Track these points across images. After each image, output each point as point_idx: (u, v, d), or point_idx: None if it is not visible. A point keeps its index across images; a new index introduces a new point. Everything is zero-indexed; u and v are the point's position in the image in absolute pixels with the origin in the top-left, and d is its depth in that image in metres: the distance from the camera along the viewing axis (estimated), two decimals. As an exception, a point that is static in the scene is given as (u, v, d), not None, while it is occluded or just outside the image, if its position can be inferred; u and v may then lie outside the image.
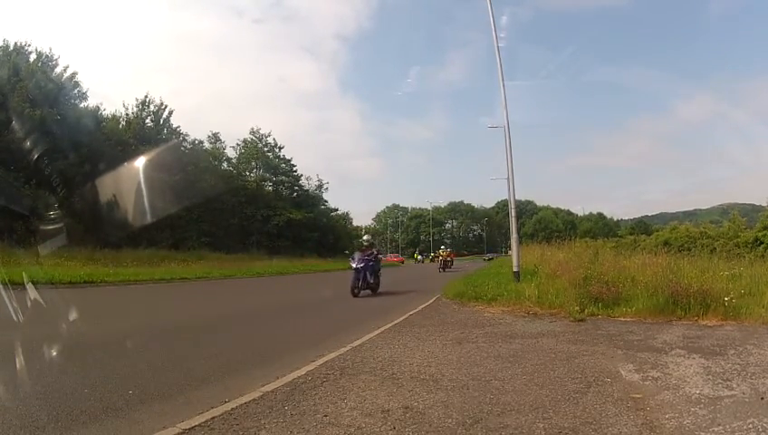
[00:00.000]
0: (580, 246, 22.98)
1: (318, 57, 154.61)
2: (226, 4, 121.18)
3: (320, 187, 56.71)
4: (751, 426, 3.61)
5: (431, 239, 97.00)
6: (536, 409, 4.09)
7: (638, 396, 4.41)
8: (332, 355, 6.19)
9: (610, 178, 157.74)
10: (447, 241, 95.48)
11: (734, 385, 4.69)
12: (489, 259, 60.78)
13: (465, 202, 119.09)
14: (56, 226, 20.37)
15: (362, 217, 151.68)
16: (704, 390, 4.57)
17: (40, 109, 27.50)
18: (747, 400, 4.25)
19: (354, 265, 14.30)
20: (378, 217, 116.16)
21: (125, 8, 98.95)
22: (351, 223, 71.14)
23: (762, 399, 4.26)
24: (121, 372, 5.31)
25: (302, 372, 5.31)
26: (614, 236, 63.74)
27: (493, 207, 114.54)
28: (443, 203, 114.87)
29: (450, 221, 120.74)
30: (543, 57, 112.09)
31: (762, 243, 28.31)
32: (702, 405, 4.14)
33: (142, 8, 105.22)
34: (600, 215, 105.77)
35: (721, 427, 3.62)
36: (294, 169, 54.18)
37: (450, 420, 3.82)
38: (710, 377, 5.00)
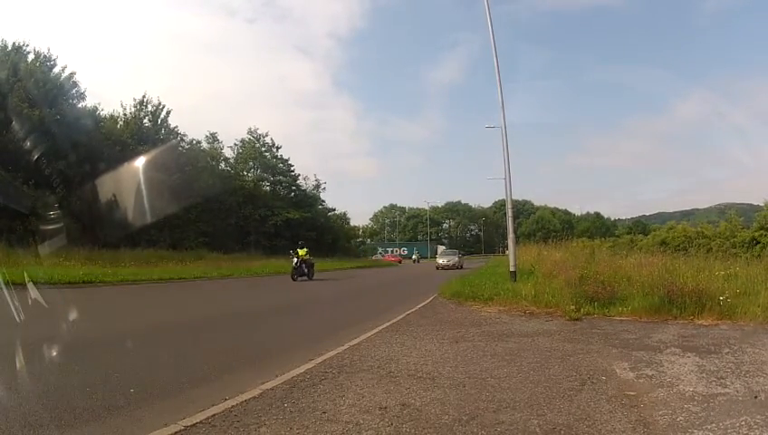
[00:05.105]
0: (577, 245, 23.05)
1: (312, 57, 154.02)
2: (218, 4, 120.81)
3: (317, 186, 56.60)
4: (744, 423, 3.67)
5: (428, 239, 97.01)
6: (531, 406, 4.16)
7: (632, 394, 4.48)
8: (331, 354, 6.25)
9: (608, 177, 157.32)
10: (445, 241, 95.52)
11: (728, 383, 4.76)
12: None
13: (463, 202, 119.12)
14: (55, 226, 20.34)
15: (360, 217, 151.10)
16: (697, 388, 4.63)
17: (38, 109, 27.37)
18: (741, 398, 4.31)
19: None
20: (375, 217, 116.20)
21: (119, 7, 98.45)
22: (349, 223, 70.95)
23: (755, 398, 4.31)
24: (122, 370, 5.35)
25: (301, 370, 5.37)
26: (611, 235, 63.50)
27: (490, 207, 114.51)
28: (440, 203, 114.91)
29: (447, 221, 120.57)
30: (541, 57, 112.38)
31: (758, 243, 28.33)
32: (695, 403, 4.20)
33: (137, 8, 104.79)
34: (598, 214, 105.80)
35: (714, 424, 3.68)
36: (292, 168, 54.17)
37: (447, 417, 3.88)
38: (704, 375, 5.07)
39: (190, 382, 4.98)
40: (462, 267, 36.01)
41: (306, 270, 22.13)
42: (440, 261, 39.59)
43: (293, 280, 21.19)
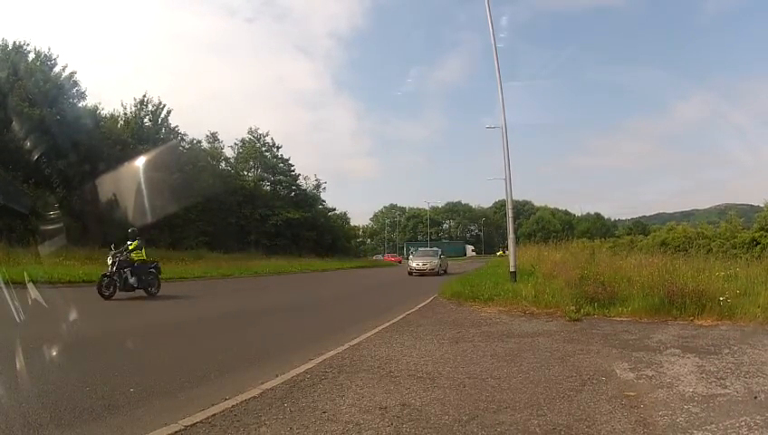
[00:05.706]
0: (578, 246, 23.12)
1: (312, 56, 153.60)
2: (218, 4, 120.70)
3: (317, 186, 56.59)
4: (743, 424, 3.67)
5: (428, 239, 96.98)
6: (531, 406, 4.15)
7: (632, 394, 4.47)
8: (331, 353, 6.25)
9: (608, 178, 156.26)
10: (445, 241, 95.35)
11: (728, 384, 4.75)
12: None
13: (463, 202, 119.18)
14: (56, 225, 20.37)
15: (360, 216, 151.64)
16: (697, 388, 4.63)
17: (39, 108, 27.39)
18: (740, 398, 4.31)
19: None
20: (375, 217, 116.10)
21: (119, 7, 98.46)
22: (349, 223, 71.00)
23: (755, 398, 4.31)
24: (122, 370, 5.36)
25: (301, 369, 5.37)
26: (611, 236, 63.51)
27: (490, 207, 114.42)
28: (440, 203, 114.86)
29: (448, 221, 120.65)
30: (542, 57, 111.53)
31: (758, 244, 28.25)
32: (695, 403, 4.20)
33: (137, 7, 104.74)
34: (598, 215, 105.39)
35: (714, 425, 3.68)
36: (292, 168, 54.19)
37: (447, 417, 3.88)
38: (704, 376, 5.06)
39: (190, 381, 4.99)
40: (445, 272, 27.92)
41: (136, 281, 13.11)
42: (413, 264, 28.49)
43: (103, 296, 12.20)
